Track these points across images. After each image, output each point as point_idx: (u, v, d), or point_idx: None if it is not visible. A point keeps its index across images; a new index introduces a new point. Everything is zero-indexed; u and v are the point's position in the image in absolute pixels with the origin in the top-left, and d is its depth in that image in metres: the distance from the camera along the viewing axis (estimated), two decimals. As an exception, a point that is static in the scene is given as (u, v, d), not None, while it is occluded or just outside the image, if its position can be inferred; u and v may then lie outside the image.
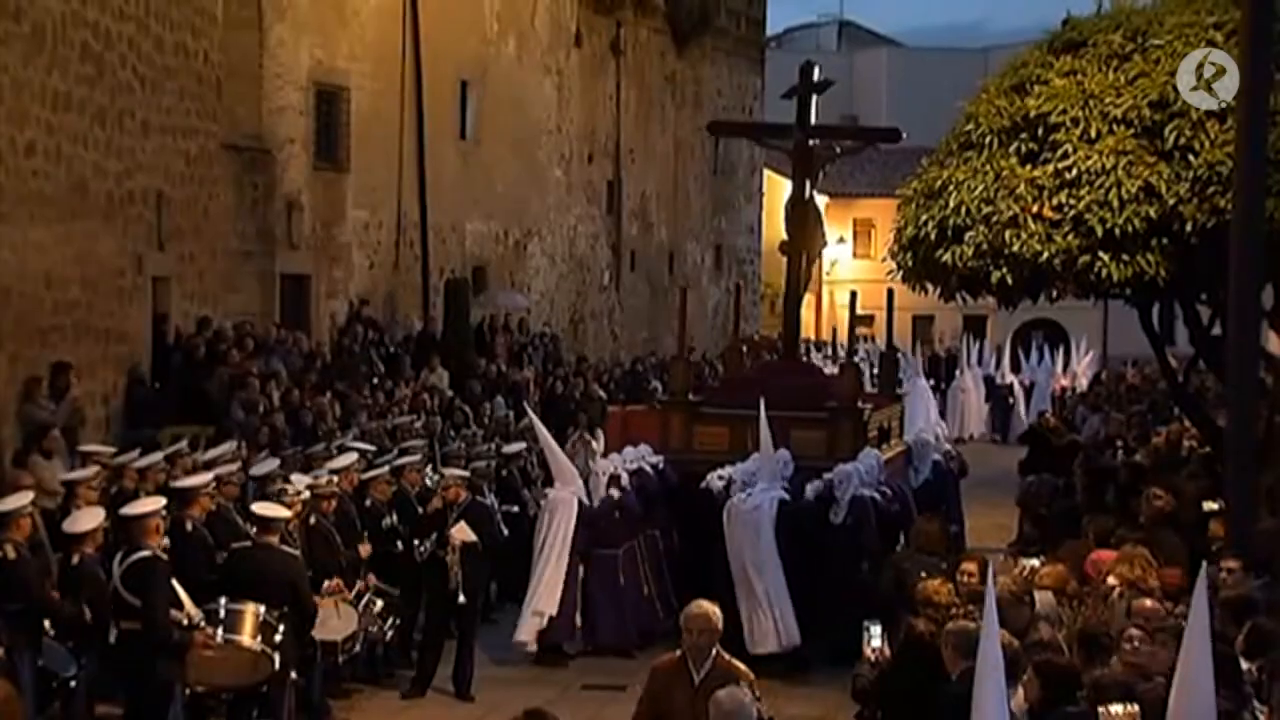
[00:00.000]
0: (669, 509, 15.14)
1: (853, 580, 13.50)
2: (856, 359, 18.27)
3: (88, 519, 11.04)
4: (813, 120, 16.94)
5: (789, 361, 17.70)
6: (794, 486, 14.22)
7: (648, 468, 14.97)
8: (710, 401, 16.32)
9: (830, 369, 20.24)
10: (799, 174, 16.99)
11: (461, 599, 12.97)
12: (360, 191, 25.45)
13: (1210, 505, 12.23)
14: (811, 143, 16.88)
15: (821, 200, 51.54)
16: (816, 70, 17.18)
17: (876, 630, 9.62)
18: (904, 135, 18.88)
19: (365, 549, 12.74)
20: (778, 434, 14.55)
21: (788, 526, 13.85)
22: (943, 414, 33.86)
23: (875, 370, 23.76)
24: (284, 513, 11.43)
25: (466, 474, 13.95)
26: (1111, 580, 9.69)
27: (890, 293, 17.64)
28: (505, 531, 15.82)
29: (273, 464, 13.99)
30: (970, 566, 10.20)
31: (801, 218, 16.94)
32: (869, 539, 13.94)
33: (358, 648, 12.27)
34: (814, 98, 17.12)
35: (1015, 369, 36.29)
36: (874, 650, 9.61)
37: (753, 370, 19.38)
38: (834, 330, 41.62)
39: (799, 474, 14.35)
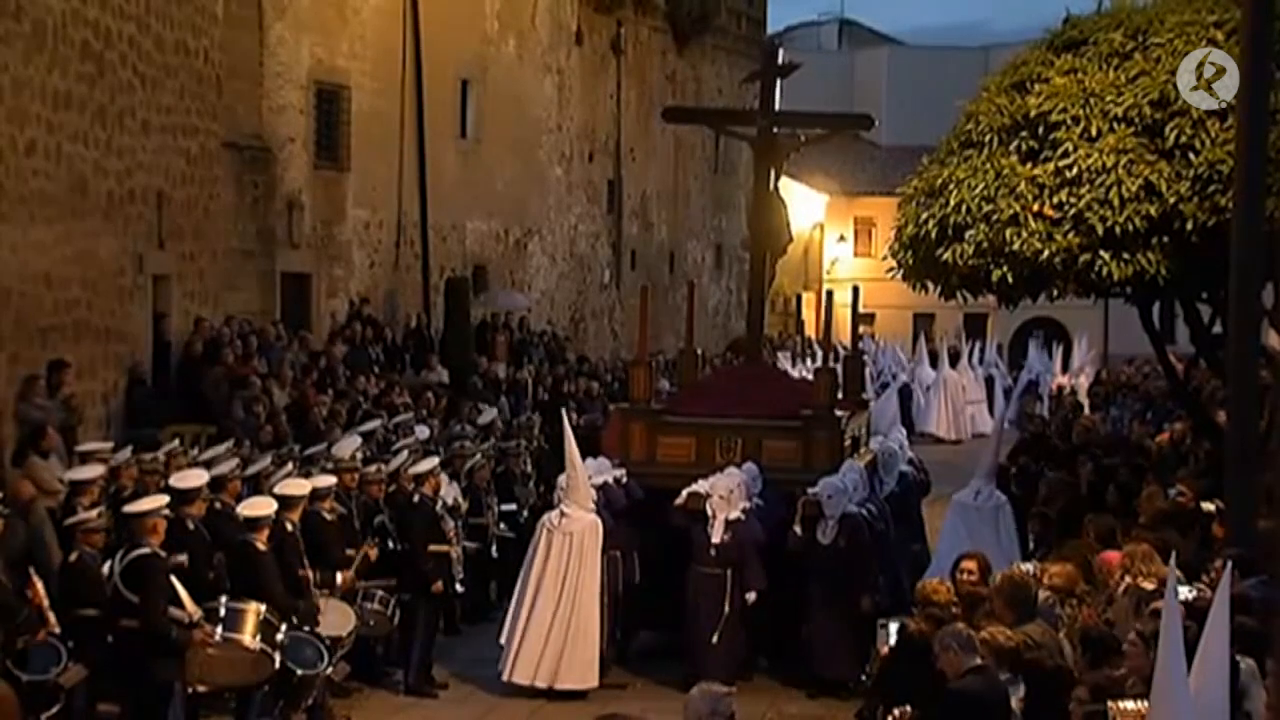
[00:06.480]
0: (633, 528, 13.68)
1: (854, 612, 12.72)
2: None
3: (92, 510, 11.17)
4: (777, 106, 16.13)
5: (756, 366, 16.68)
6: (768, 502, 13.44)
7: (612, 482, 13.62)
8: (674, 410, 14.87)
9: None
10: (762, 164, 15.78)
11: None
12: (360, 190, 25.45)
13: (1208, 506, 12.20)
14: (775, 130, 15.75)
15: (823, 199, 51.47)
16: (781, 53, 16.66)
17: (893, 628, 9.59)
18: (874, 122, 18.52)
19: (372, 550, 12.76)
20: (747, 444, 13.76)
21: (769, 549, 13.10)
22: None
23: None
24: (268, 510, 11.40)
25: (435, 464, 13.91)
26: (1146, 584, 9.56)
27: (856, 290, 17.31)
28: (510, 532, 15.87)
29: (264, 462, 14.02)
30: (970, 565, 10.19)
31: (765, 212, 15.85)
32: (867, 563, 12.98)
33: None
34: (778, 82, 16.41)
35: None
36: (889, 649, 9.62)
37: (717, 376, 18.68)
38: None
39: (769, 488, 13.48)
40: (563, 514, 12.99)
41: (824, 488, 13.03)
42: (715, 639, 12.89)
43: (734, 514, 13.08)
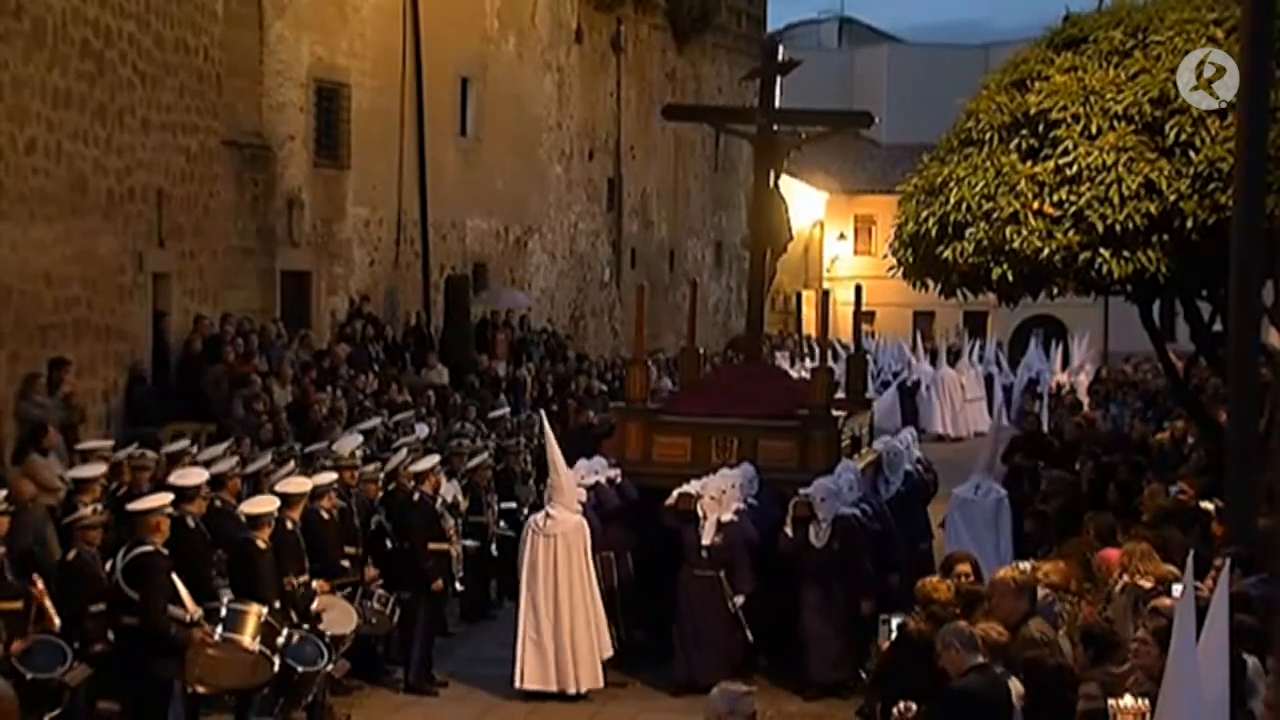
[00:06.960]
0: (628, 528, 13.55)
1: (848, 615, 12.62)
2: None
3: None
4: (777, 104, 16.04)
5: (754, 365, 16.56)
6: (763, 502, 13.32)
7: (605, 482, 13.50)
8: (670, 410, 14.73)
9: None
10: (762, 162, 15.75)
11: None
12: (361, 188, 25.46)
13: (1206, 505, 12.19)
14: (775, 128, 15.72)
15: (823, 197, 51.37)
16: (781, 49, 16.65)
17: (895, 623, 9.59)
18: (874, 120, 18.46)
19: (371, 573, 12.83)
20: (744, 444, 13.66)
21: (763, 550, 12.98)
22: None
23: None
24: (270, 508, 11.40)
25: (436, 462, 13.91)
26: (1144, 582, 9.55)
27: (859, 289, 17.21)
28: (510, 530, 15.87)
29: (264, 460, 14.02)
30: (964, 568, 10.18)
31: (765, 210, 15.79)
32: (861, 566, 12.78)
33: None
34: (778, 79, 16.32)
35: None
36: (889, 645, 9.61)
37: (716, 375, 18.38)
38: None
39: (765, 488, 13.36)
40: (548, 515, 12.80)
41: (816, 489, 12.91)
42: (730, 639, 12.82)
43: (726, 515, 12.95)
